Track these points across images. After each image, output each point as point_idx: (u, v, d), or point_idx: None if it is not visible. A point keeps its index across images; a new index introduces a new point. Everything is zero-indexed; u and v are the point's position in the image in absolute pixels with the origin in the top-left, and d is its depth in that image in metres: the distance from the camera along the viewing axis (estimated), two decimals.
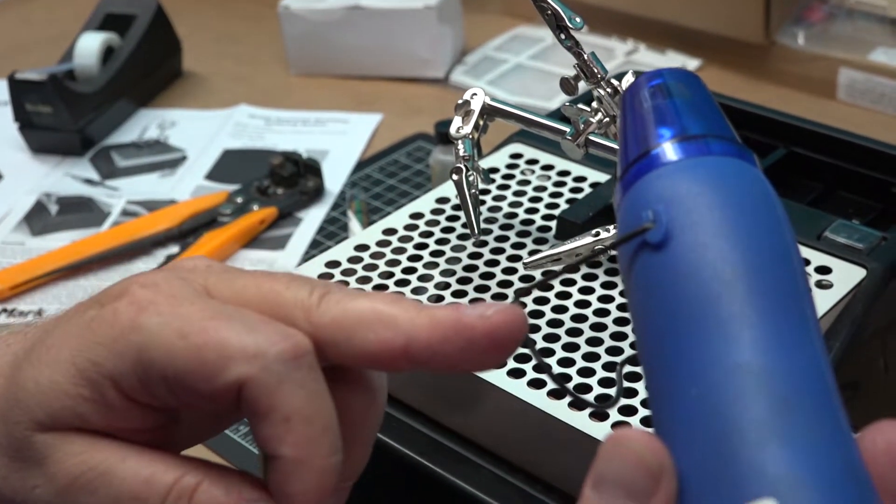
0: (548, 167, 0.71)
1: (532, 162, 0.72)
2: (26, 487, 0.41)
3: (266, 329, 0.38)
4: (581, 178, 0.70)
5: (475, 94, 0.64)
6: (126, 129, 1.15)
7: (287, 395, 0.37)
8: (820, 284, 0.59)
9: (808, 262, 0.61)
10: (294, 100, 1.19)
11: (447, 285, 0.62)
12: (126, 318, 0.39)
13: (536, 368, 0.56)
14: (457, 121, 0.64)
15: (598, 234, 0.56)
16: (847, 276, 0.60)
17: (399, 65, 1.19)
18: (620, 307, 0.59)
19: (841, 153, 0.72)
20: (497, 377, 0.55)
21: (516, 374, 0.55)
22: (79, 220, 1.01)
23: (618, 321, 0.58)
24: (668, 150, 0.36)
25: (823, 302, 0.58)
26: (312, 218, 0.98)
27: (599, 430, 0.52)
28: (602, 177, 0.70)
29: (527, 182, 0.70)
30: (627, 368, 0.56)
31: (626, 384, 0.55)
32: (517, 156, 0.73)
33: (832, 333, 0.58)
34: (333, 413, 0.38)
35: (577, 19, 0.57)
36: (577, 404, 0.54)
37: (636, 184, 0.36)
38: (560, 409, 0.53)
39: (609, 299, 0.59)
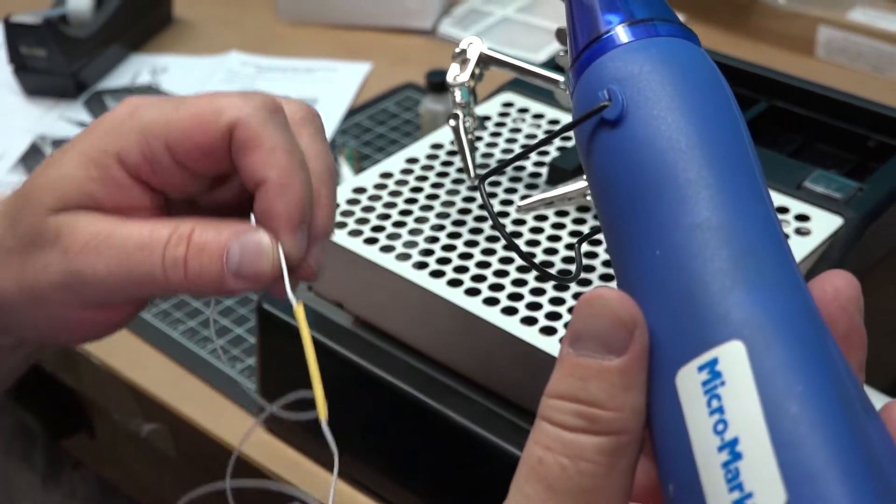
0: (539, 116, 0.74)
1: (523, 111, 0.75)
2: (39, 269, 0.47)
3: (247, 93, 0.47)
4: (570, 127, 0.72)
5: (472, 42, 0.66)
6: (118, 74, 1.16)
7: (272, 131, 0.45)
8: (799, 232, 0.62)
9: (787, 210, 0.64)
10: (284, 47, 1.21)
11: (443, 227, 0.64)
12: (126, 111, 0.47)
13: (506, 248, 0.61)
14: (454, 68, 0.66)
15: None
16: (825, 224, 0.63)
17: (387, 15, 1.21)
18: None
19: (820, 107, 0.75)
20: (491, 314, 0.58)
21: (509, 311, 0.58)
22: None
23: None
24: (619, 34, 0.37)
25: (802, 248, 0.61)
26: None
27: None
28: None
29: (518, 130, 0.73)
30: (586, 247, 0.60)
31: (584, 261, 0.60)
32: (509, 104, 0.75)
33: (810, 279, 0.61)
34: (304, 158, 0.47)
35: None
36: (542, 278, 0.59)
37: (589, 67, 0.38)
38: (551, 345, 0.56)
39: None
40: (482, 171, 0.68)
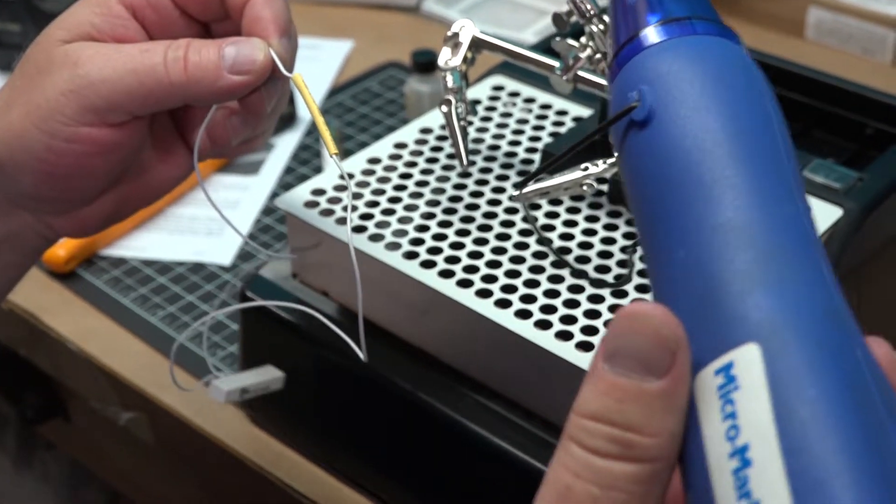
0: (530, 100, 0.72)
1: (514, 94, 0.73)
2: (48, 85, 0.51)
3: None
4: (563, 112, 0.71)
5: (464, 26, 0.64)
6: None
7: None
8: None
9: None
10: None
11: (432, 215, 0.62)
12: None
13: (539, 241, 0.60)
14: (445, 52, 0.64)
15: (586, 168, 0.56)
16: (824, 215, 0.61)
17: None
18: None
19: (818, 94, 0.73)
20: (485, 307, 0.56)
21: (503, 304, 0.57)
22: None
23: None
24: (652, 33, 0.37)
25: None
26: (286, 144, 0.98)
27: (583, 360, 0.53)
28: (584, 111, 0.70)
29: (509, 115, 0.71)
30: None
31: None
32: (499, 88, 0.73)
33: None
34: None
35: None
36: (577, 274, 0.58)
37: (625, 66, 0.37)
38: (545, 339, 0.55)
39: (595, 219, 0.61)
40: (473, 158, 0.66)
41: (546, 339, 0.54)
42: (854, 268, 0.62)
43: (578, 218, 0.62)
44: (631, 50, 0.37)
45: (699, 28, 0.37)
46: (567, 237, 0.60)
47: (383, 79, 1.06)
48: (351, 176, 0.65)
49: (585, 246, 0.60)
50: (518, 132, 0.69)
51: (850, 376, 0.30)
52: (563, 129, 0.69)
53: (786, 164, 0.34)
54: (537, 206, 0.63)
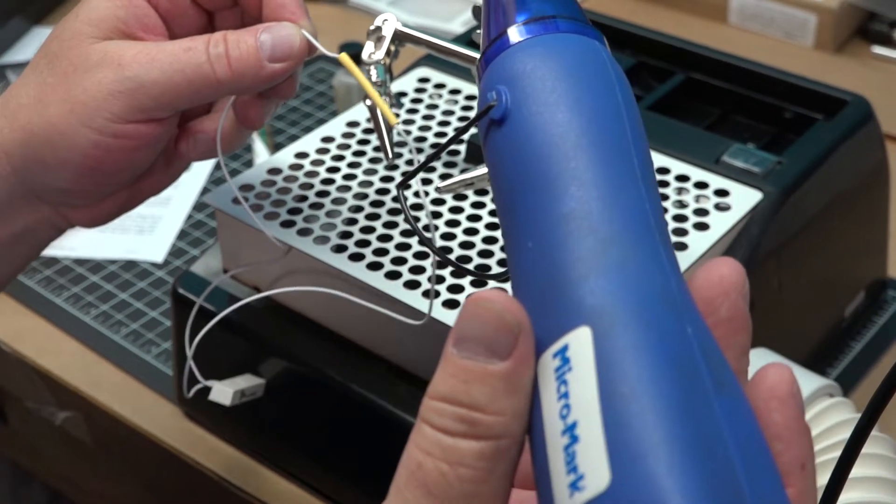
0: (455, 91, 0.73)
1: (440, 86, 0.73)
2: (91, 85, 0.52)
3: None
4: None
5: (387, 19, 0.64)
6: (21, 48, 1.13)
7: None
8: (718, 207, 0.62)
9: (706, 186, 0.63)
10: None
11: (360, 208, 0.63)
12: None
13: (421, 242, 0.60)
14: (369, 46, 0.64)
15: None
16: (744, 198, 0.63)
17: None
18: None
19: (737, 79, 0.75)
20: (412, 298, 0.57)
21: (430, 295, 0.57)
22: None
23: None
24: (514, 33, 0.38)
25: (721, 224, 0.61)
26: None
27: None
28: None
29: (435, 106, 0.72)
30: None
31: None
32: (425, 80, 0.74)
33: (730, 254, 0.61)
34: None
35: None
36: (459, 273, 0.58)
37: (490, 65, 0.39)
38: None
39: None
40: (399, 150, 0.67)
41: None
42: (774, 250, 0.64)
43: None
44: (496, 49, 0.39)
45: (561, 27, 0.38)
46: (471, 231, 0.61)
47: (312, 71, 1.06)
48: (278, 171, 0.66)
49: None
50: (444, 124, 0.70)
51: (675, 353, 0.31)
52: None
53: (632, 154, 0.35)
54: (464, 198, 0.63)
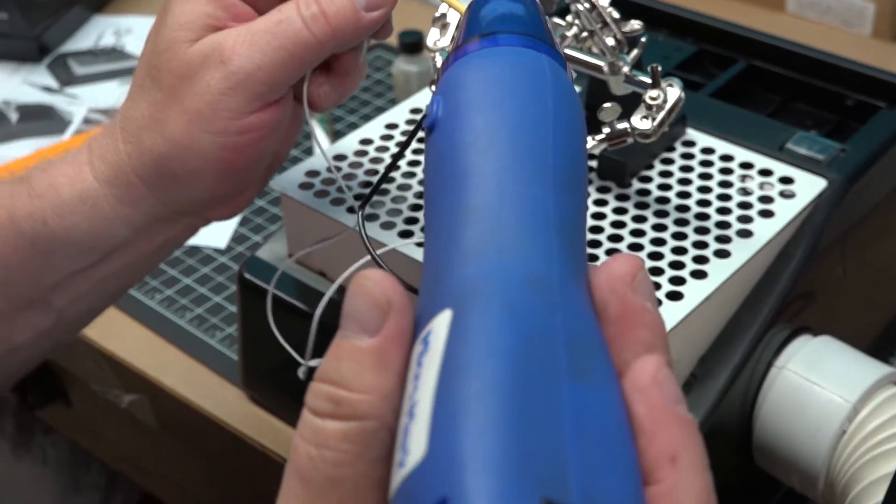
0: None
1: None
2: (203, 90, 0.51)
3: None
4: None
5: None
6: (81, 36, 1.14)
7: None
8: (783, 195, 0.62)
9: (770, 173, 0.63)
10: None
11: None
12: None
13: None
14: (433, 33, 0.65)
15: None
16: (809, 186, 0.63)
17: None
18: None
19: (798, 66, 0.75)
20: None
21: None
22: (40, 127, 1.01)
23: None
24: (466, 48, 0.41)
25: (786, 212, 0.61)
26: None
27: None
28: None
29: None
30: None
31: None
32: None
33: (794, 242, 0.61)
34: None
35: None
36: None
37: (442, 77, 0.42)
38: None
39: None
40: None
41: None
42: (838, 238, 0.64)
43: None
44: (445, 64, 0.42)
45: (501, 41, 0.41)
46: None
47: (370, 59, 1.07)
48: (343, 157, 0.66)
49: None
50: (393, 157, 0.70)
51: (527, 336, 0.31)
52: None
53: (549, 157, 0.37)
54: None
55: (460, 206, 0.36)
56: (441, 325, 0.32)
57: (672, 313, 0.55)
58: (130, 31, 1.15)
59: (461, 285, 0.33)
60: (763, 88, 0.76)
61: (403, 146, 0.46)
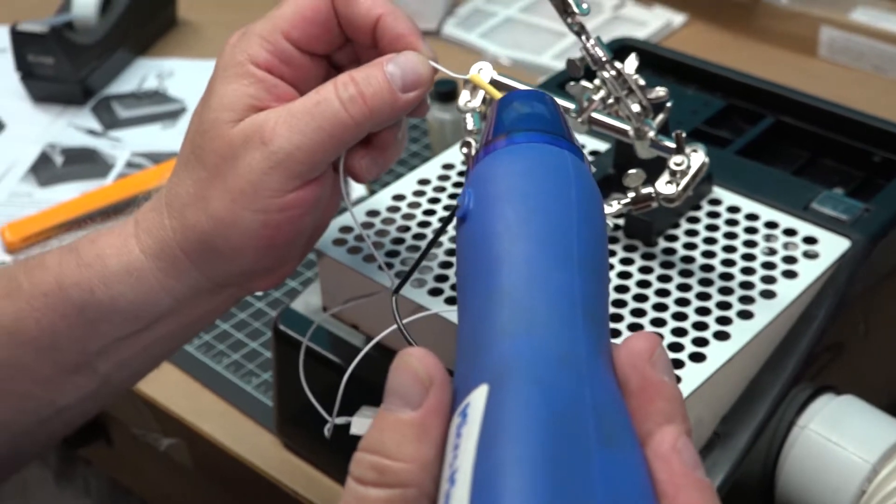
0: None
1: None
2: (245, 170, 0.53)
3: None
4: (580, 147, 0.73)
5: (482, 68, 0.66)
6: (125, 79, 1.17)
7: None
8: (807, 255, 0.63)
9: (795, 233, 0.65)
10: None
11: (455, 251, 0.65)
12: (237, 34, 0.57)
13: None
14: (464, 95, 0.66)
15: None
16: (832, 246, 0.64)
17: None
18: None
19: (826, 122, 0.76)
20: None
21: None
22: (84, 170, 1.04)
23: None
24: (495, 143, 0.45)
25: (809, 272, 0.62)
26: None
27: None
28: (602, 145, 0.73)
29: None
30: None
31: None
32: None
33: (817, 302, 0.62)
34: None
35: (584, 6, 0.60)
36: None
37: (472, 171, 0.45)
38: None
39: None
40: None
41: None
42: (860, 296, 0.65)
43: None
44: (476, 159, 0.45)
45: (525, 138, 0.44)
46: None
47: None
48: (377, 213, 0.68)
49: None
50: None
51: (560, 410, 0.34)
52: None
53: (574, 244, 0.40)
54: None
55: (493, 290, 0.39)
56: (479, 399, 0.35)
57: (695, 375, 0.56)
58: (173, 74, 1.18)
59: (496, 362, 0.36)
60: (791, 144, 0.77)
61: (438, 233, 0.50)
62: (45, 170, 1.04)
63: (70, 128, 1.10)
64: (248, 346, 0.83)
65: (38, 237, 0.94)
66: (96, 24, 1.15)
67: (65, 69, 1.10)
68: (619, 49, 0.84)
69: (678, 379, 0.56)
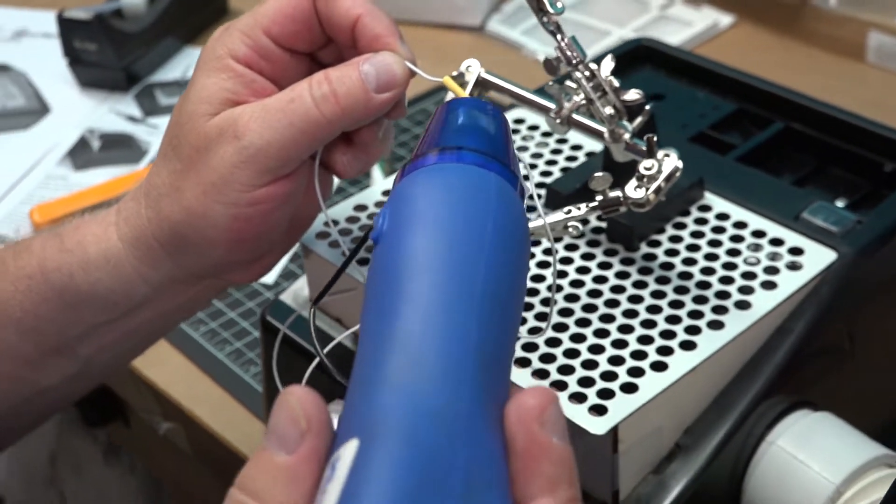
0: (547, 134, 0.74)
1: (533, 128, 0.75)
2: (216, 163, 0.53)
3: None
4: (577, 147, 0.73)
5: (470, 66, 0.66)
6: (171, 67, 1.19)
7: None
8: (790, 266, 0.62)
9: (782, 243, 0.63)
10: None
11: None
12: (219, 29, 0.57)
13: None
14: (451, 97, 0.66)
15: (569, 210, 0.58)
16: (818, 258, 0.62)
17: (435, 10, 1.21)
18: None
19: (836, 131, 0.74)
20: None
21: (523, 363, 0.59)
22: (119, 156, 1.05)
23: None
24: (420, 159, 0.42)
25: (789, 284, 0.60)
26: None
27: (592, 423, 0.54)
28: (598, 146, 0.72)
29: (525, 148, 0.73)
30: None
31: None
32: (520, 121, 0.75)
33: (796, 315, 0.61)
34: None
35: (559, 4, 0.59)
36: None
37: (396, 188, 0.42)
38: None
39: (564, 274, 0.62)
40: None
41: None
42: (845, 313, 0.63)
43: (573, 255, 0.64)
44: (406, 171, 0.42)
45: (454, 157, 0.41)
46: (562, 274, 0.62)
47: (439, 100, 1.09)
48: (364, 208, 0.68)
49: (577, 284, 0.62)
50: (531, 166, 0.71)
51: (425, 473, 0.33)
52: (574, 165, 0.71)
53: (478, 281, 0.37)
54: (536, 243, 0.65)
55: (385, 330, 0.36)
56: (348, 453, 0.33)
57: (654, 384, 0.55)
58: None
59: (370, 415, 0.34)
60: (799, 151, 0.75)
61: (350, 256, 0.48)
62: (81, 154, 1.06)
63: (111, 113, 1.11)
64: (252, 335, 0.84)
65: (66, 220, 0.95)
66: (145, 11, 1.17)
67: (108, 55, 1.12)
68: (635, 49, 0.83)
69: (634, 388, 0.55)
